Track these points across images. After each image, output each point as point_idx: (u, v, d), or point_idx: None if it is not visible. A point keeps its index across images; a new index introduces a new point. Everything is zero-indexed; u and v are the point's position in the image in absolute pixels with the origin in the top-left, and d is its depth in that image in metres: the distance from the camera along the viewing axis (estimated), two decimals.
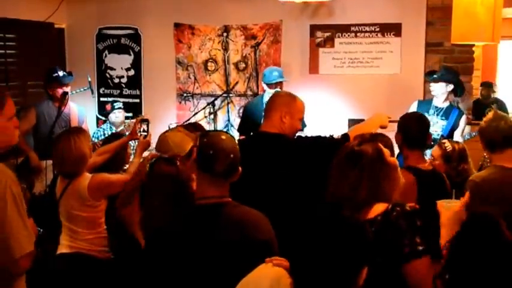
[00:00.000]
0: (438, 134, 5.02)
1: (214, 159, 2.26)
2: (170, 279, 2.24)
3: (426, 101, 5.24)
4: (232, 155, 2.26)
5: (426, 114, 5.02)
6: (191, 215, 2.30)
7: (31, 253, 2.25)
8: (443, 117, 5.09)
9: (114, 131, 5.63)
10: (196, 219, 2.26)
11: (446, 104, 5.11)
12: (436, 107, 5.12)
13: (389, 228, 2.04)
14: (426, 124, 3.33)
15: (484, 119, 3.23)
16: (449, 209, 2.21)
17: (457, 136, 5.10)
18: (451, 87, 5.05)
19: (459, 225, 2.17)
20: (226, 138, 2.32)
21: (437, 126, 5.08)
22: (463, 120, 5.12)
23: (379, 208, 2.17)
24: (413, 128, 3.21)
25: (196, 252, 2.20)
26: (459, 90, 5.14)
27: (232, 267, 2.08)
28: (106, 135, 5.69)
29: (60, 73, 5.38)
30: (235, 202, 2.32)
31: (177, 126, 3.66)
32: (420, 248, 2.01)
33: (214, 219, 2.23)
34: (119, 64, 6.70)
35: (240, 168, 2.32)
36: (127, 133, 4.87)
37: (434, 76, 5.09)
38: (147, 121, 4.03)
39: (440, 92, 5.06)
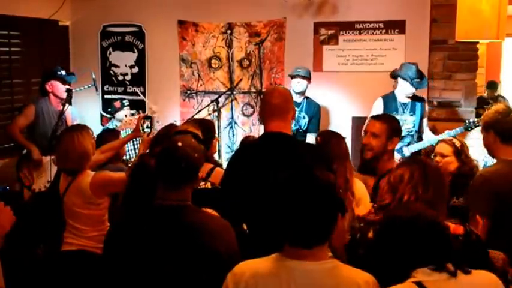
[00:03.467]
0: (411, 131, 5.13)
1: (164, 167, 2.27)
2: (125, 277, 2.24)
3: (391, 97, 5.23)
4: (183, 164, 2.22)
5: (395, 114, 5.11)
6: (147, 215, 2.28)
7: None
8: (411, 113, 5.17)
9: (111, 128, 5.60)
10: (151, 219, 2.24)
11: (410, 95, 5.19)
12: (403, 103, 5.17)
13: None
14: None
15: (494, 110, 3.15)
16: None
17: (426, 125, 5.24)
18: None
19: None
20: (183, 146, 2.25)
21: (408, 123, 5.15)
22: (427, 106, 5.27)
23: None
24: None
25: (147, 252, 2.18)
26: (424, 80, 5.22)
27: (181, 271, 2.08)
28: None
29: (63, 72, 5.42)
30: (195, 207, 2.29)
31: (180, 123, 3.63)
32: None
33: (169, 221, 2.20)
34: (123, 61, 6.71)
35: (198, 176, 2.29)
36: (122, 131, 4.87)
37: (425, 82, 5.18)
38: (150, 118, 4.01)
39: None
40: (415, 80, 5.06)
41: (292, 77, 5.61)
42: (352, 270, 1.85)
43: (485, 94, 8.23)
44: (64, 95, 5.38)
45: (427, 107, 5.27)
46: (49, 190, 4.61)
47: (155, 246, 2.17)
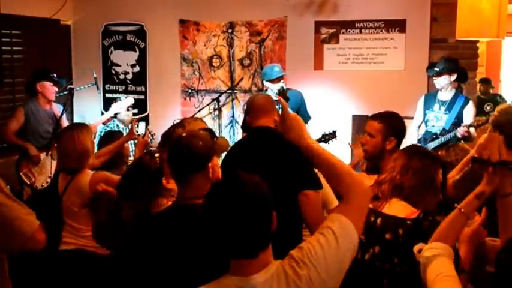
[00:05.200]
0: (442, 128, 5.00)
1: (170, 158, 2.27)
2: (145, 279, 2.22)
3: (432, 94, 5.24)
4: (185, 151, 2.22)
5: (431, 111, 5.08)
6: (164, 216, 2.28)
7: (40, 225, 2.37)
8: (446, 111, 5.05)
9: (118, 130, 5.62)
10: (168, 221, 2.22)
11: (451, 94, 5.07)
12: (441, 100, 5.10)
13: (420, 238, 2.05)
14: None
15: (506, 111, 3.08)
16: (468, 225, 2.19)
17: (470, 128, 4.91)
18: (454, 76, 5.04)
19: (477, 242, 2.18)
20: (187, 136, 2.28)
21: (442, 121, 5.08)
22: (468, 109, 4.98)
23: (402, 209, 2.22)
24: None
25: (166, 254, 2.16)
26: (464, 76, 5.13)
27: (201, 270, 2.03)
28: None
29: (54, 74, 5.48)
30: None
31: (183, 119, 3.63)
32: None
33: (185, 222, 2.17)
34: (125, 60, 6.73)
35: (208, 165, 2.26)
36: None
37: (436, 70, 5.05)
38: (144, 121, 3.98)
39: (445, 83, 5.04)
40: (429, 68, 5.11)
41: (277, 80, 5.39)
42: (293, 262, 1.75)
43: (479, 92, 8.22)
44: (53, 97, 5.45)
45: (471, 108, 4.97)
46: (48, 189, 4.62)
47: (174, 248, 2.15)
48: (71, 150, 3.49)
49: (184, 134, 2.29)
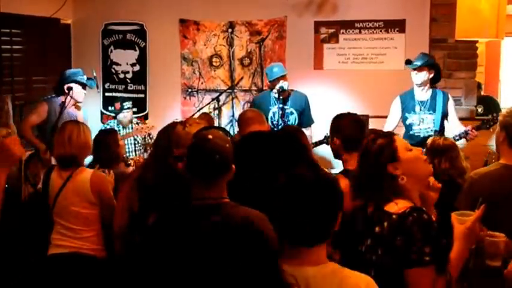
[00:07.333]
0: (432, 130, 4.92)
1: (198, 162, 2.23)
2: (166, 280, 2.19)
3: (408, 95, 5.09)
4: (218, 156, 2.20)
5: (413, 114, 5.00)
6: (186, 216, 2.23)
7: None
8: (430, 111, 4.97)
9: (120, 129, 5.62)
10: (191, 220, 2.19)
11: (429, 93, 5.00)
12: (421, 101, 5.00)
13: (402, 233, 2.04)
14: (363, 124, 3.22)
15: (508, 112, 3.06)
16: (463, 222, 2.19)
17: (455, 123, 4.95)
18: (432, 74, 4.97)
19: (472, 241, 2.19)
20: (214, 138, 2.25)
21: (427, 123, 4.98)
22: (451, 104, 5.01)
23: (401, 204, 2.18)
24: (352, 130, 3.09)
25: (190, 252, 2.13)
26: (438, 76, 5.05)
27: (231, 267, 2.04)
28: None
29: (84, 77, 5.45)
30: (233, 203, 2.26)
31: (186, 119, 3.60)
32: (427, 258, 2.00)
33: (209, 219, 2.15)
34: (125, 59, 6.74)
35: (233, 167, 2.27)
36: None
37: (417, 63, 4.94)
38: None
39: (423, 80, 4.94)
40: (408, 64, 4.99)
41: (277, 80, 5.29)
42: (352, 273, 1.82)
43: None
44: (81, 99, 5.41)
45: (452, 102, 5.02)
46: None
47: (202, 247, 2.12)
48: (75, 137, 3.41)
49: (210, 137, 2.25)
